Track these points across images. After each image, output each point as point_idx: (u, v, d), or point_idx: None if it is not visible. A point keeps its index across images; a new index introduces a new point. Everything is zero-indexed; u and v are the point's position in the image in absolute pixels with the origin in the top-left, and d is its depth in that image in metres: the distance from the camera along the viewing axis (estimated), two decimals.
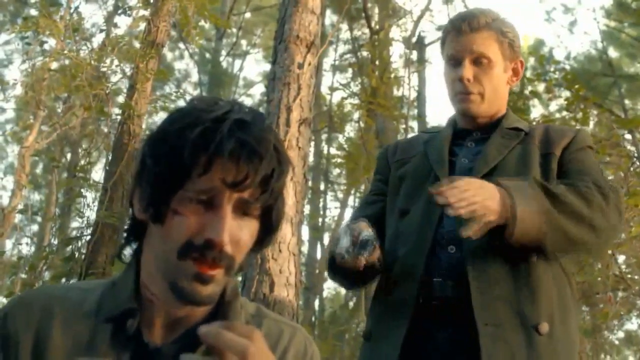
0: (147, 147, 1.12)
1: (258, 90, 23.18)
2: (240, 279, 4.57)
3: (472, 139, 2.12)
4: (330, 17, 16.18)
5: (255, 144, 1.05)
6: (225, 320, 1.03)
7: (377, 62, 11.08)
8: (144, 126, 6.75)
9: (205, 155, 1.04)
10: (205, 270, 1.07)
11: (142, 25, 7.29)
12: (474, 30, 2.08)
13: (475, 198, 1.72)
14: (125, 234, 1.21)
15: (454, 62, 2.11)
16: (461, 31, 2.09)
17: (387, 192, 2.20)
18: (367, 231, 1.81)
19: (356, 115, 13.71)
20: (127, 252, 1.23)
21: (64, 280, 5.97)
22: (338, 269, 1.92)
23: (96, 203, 6.43)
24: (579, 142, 2.06)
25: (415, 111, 13.74)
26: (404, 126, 11.39)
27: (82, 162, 7.43)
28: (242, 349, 0.92)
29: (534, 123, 4.76)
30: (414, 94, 12.90)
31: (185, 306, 1.13)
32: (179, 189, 1.06)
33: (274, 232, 1.18)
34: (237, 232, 1.09)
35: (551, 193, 1.80)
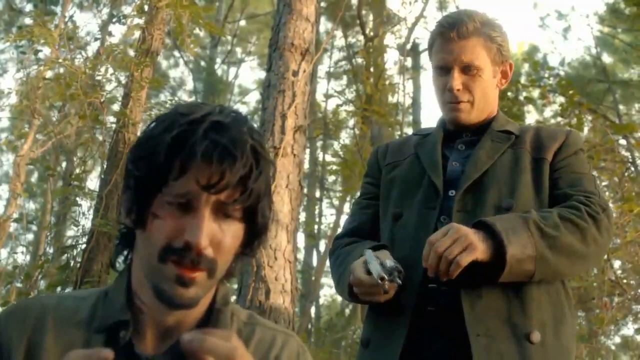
0: (130, 152, 1.14)
1: (253, 97, 23.21)
2: (236, 286, 4.57)
3: (462, 141, 2.11)
4: (324, 24, 16.21)
5: (229, 145, 1.05)
6: (204, 328, 1.03)
7: (371, 69, 11.10)
8: (138, 134, 6.73)
9: (179, 158, 1.05)
10: (185, 272, 1.07)
11: (137, 34, 7.29)
12: (462, 38, 2.05)
13: (456, 248, 1.74)
14: (117, 242, 1.22)
15: (442, 70, 2.10)
16: (449, 39, 2.06)
17: (379, 195, 2.19)
18: (391, 260, 1.84)
19: (351, 122, 13.73)
20: (121, 260, 1.23)
21: (59, 288, 5.95)
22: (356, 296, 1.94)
23: (91, 211, 6.41)
24: (570, 146, 2.05)
25: (411, 117, 13.76)
26: (399, 133, 11.40)
27: (78, 170, 7.40)
28: (229, 353, 0.92)
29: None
30: (409, 101, 12.93)
31: (171, 311, 1.13)
32: (158, 193, 1.07)
33: (260, 235, 1.17)
34: (218, 234, 1.08)
35: (547, 234, 1.80)
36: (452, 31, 2.06)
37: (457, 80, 2.05)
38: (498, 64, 2.12)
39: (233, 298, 5.06)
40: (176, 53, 19.02)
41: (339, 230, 2.33)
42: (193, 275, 1.07)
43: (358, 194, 2.39)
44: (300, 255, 16.81)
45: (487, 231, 1.79)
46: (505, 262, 1.75)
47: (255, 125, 1.16)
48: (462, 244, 1.74)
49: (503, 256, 1.75)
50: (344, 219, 16.86)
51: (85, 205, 6.58)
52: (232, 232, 1.11)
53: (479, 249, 1.76)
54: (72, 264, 6.08)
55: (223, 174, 1.05)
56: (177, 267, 1.07)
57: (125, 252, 1.21)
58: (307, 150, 14.31)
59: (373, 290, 1.83)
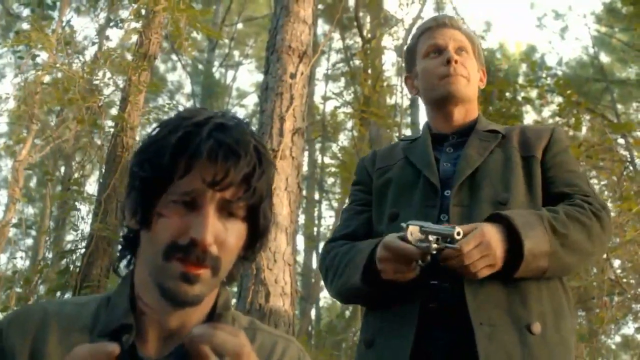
0: (134, 156, 1.15)
1: (251, 100, 23.26)
2: (236, 289, 4.57)
3: (449, 144, 2.15)
4: (322, 27, 16.24)
5: (233, 144, 1.08)
6: (212, 323, 1.03)
7: (369, 71, 11.11)
8: (137, 138, 6.74)
9: (185, 158, 1.07)
10: (190, 269, 1.08)
11: (134, 38, 7.30)
12: (454, 26, 2.23)
13: (481, 263, 1.77)
14: (120, 247, 1.22)
15: (436, 51, 2.19)
16: (444, 24, 2.23)
17: (371, 201, 2.19)
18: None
19: (349, 124, 13.74)
20: (123, 265, 1.23)
21: (59, 293, 5.95)
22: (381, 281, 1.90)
23: (90, 216, 6.42)
24: (558, 143, 2.11)
25: (409, 119, 13.78)
26: (397, 134, 11.40)
27: (76, 175, 7.41)
28: (238, 349, 0.93)
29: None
30: (406, 102, 12.94)
31: (175, 309, 1.14)
32: (163, 193, 1.09)
33: (262, 236, 1.19)
34: (222, 233, 1.10)
35: (559, 233, 1.84)
36: (445, 20, 2.25)
37: (454, 54, 2.16)
38: (479, 62, 2.26)
39: (233, 301, 5.05)
40: (174, 57, 19.03)
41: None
42: (198, 272, 1.08)
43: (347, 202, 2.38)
44: (300, 258, 16.82)
45: (504, 224, 1.82)
46: (521, 256, 1.78)
47: (254, 130, 1.17)
48: (488, 260, 1.77)
49: (520, 251, 1.78)
50: None
51: (84, 209, 6.60)
52: (235, 232, 1.12)
53: (499, 265, 1.80)
54: (71, 269, 6.09)
55: (227, 171, 1.07)
56: (182, 264, 1.08)
57: (128, 257, 1.22)
58: (306, 153, 14.32)
59: (409, 259, 1.79)
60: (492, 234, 1.78)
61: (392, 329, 1.93)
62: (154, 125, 1.18)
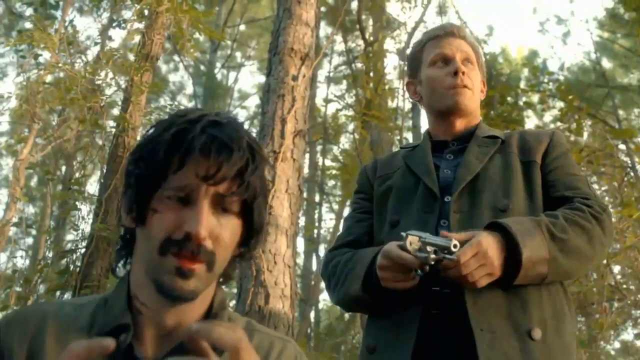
0: (130, 155, 1.17)
1: (253, 102, 23.29)
2: (235, 291, 4.57)
3: (450, 151, 2.16)
4: (324, 29, 16.23)
5: (226, 139, 1.09)
6: (209, 320, 1.03)
7: (371, 74, 11.10)
8: (138, 139, 6.72)
9: (178, 153, 1.08)
10: (185, 263, 1.09)
11: (137, 38, 7.29)
12: (462, 36, 2.25)
13: (480, 272, 1.78)
14: (118, 248, 1.23)
15: (443, 60, 2.21)
16: (453, 34, 2.25)
17: (372, 209, 2.20)
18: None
19: (351, 127, 13.75)
20: (121, 265, 1.24)
21: (58, 293, 5.94)
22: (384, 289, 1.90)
23: (91, 216, 6.40)
24: (557, 147, 2.12)
25: (410, 122, 13.76)
26: (398, 137, 11.41)
27: (77, 174, 7.39)
28: (236, 343, 0.93)
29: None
30: (408, 105, 12.93)
31: (171, 306, 1.14)
32: (157, 188, 1.10)
33: (257, 232, 1.20)
34: (216, 228, 1.11)
35: (557, 238, 1.84)
36: (454, 29, 2.26)
37: (461, 65, 2.17)
38: (482, 72, 2.28)
39: (232, 303, 5.05)
40: (176, 57, 19.01)
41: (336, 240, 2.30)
42: (193, 267, 1.09)
43: (348, 210, 2.40)
44: (300, 260, 16.83)
45: (501, 232, 1.82)
46: (520, 264, 1.78)
47: (249, 129, 1.18)
48: (486, 269, 1.78)
49: (518, 259, 1.78)
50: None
51: (85, 209, 6.58)
52: (230, 227, 1.13)
53: (497, 274, 1.80)
54: (71, 268, 6.07)
55: (220, 165, 1.08)
56: (176, 258, 1.09)
57: (125, 258, 1.22)
58: (307, 155, 14.33)
59: (409, 267, 1.81)
60: (490, 243, 1.79)
61: (393, 335, 1.93)
62: (150, 125, 1.19)
